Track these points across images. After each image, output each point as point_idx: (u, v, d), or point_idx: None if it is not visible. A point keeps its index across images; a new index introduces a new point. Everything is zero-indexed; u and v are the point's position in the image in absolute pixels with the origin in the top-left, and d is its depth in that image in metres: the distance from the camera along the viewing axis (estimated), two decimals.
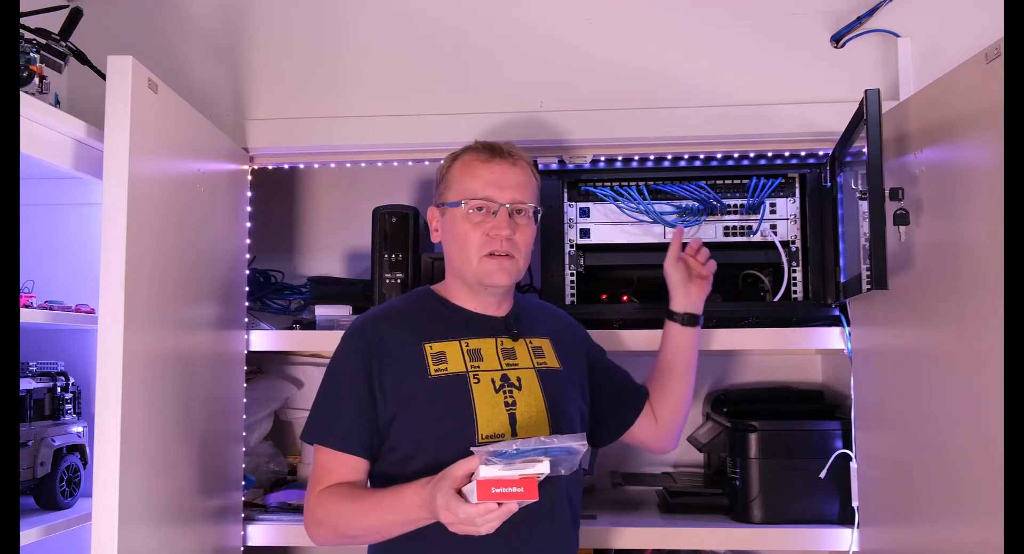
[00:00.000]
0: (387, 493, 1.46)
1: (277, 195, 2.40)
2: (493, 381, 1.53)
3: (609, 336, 1.90)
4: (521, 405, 1.53)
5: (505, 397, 1.53)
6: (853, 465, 1.86)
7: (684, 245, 1.80)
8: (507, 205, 1.56)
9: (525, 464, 1.27)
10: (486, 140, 1.64)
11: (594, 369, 1.72)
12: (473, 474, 1.30)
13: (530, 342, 1.61)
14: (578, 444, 1.31)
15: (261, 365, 2.32)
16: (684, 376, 1.78)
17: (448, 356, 1.55)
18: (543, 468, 1.28)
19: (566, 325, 1.74)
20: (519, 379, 1.55)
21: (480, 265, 1.55)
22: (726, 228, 1.98)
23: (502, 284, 1.57)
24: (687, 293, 1.78)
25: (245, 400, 2.02)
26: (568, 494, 1.57)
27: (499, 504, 1.28)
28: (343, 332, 1.60)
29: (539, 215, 1.63)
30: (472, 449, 1.31)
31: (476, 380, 1.53)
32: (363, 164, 2.15)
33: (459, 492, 1.32)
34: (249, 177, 2.06)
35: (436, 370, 1.53)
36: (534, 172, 1.63)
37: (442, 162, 1.66)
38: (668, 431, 1.79)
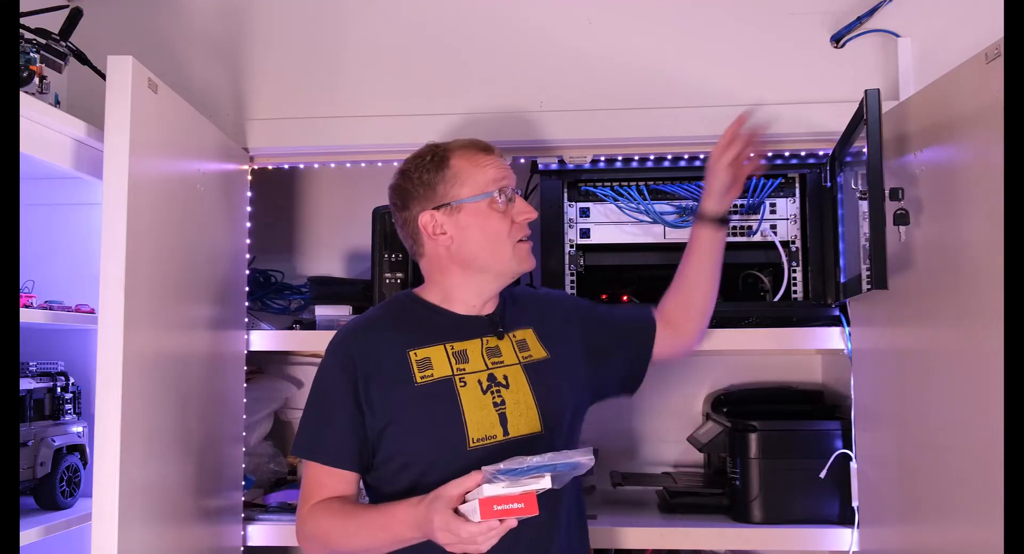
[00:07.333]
0: (377, 511, 1.44)
1: (277, 195, 2.40)
2: (480, 382, 1.51)
3: None
4: (510, 403, 1.51)
5: (493, 397, 1.50)
6: (853, 465, 1.86)
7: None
8: (520, 191, 1.58)
9: (529, 480, 1.27)
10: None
11: (590, 328, 1.66)
12: (467, 493, 1.30)
13: (514, 336, 1.58)
14: (586, 458, 1.31)
15: (261, 365, 2.32)
16: (714, 276, 1.70)
17: (433, 361, 1.52)
18: (545, 483, 1.28)
19: (547, 305, 1.68)
20: (506, 377, 1.52)
21: (515, 252, 1.55)
22: None
23: (533, 267, 1.59)
24: (723, 198, 1.67)
25: (245, 400, 2.02)
26: (574, 492, 1.58)
27: (500, 521, 1.27)
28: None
29: None
30: (484, 468, 1.28)
31: (463, 383, 1.50)
32: (363, 164, 2.14)
33: (455, 511, 1.30)
34: (249, 177, 2.06)
35: (422, 377, 1.50)
36: None
37: (414, 168, 1.57)
38: (695, 334, 1.73)
